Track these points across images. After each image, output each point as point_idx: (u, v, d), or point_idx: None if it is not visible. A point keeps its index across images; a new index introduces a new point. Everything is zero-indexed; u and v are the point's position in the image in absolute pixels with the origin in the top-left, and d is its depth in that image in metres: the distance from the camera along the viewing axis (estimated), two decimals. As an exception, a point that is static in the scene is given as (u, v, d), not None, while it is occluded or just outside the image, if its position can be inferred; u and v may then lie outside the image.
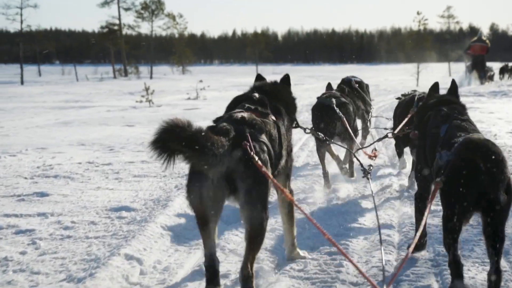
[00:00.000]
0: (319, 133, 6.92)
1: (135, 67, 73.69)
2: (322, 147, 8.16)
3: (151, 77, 64.24)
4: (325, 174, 8.16)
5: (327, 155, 8.38)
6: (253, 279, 4.15)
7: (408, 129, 7.15)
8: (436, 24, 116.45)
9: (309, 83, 43.81)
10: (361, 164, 5.94)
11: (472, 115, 8.35)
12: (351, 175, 8.53)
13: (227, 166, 3.91)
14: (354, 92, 10.06)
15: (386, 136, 7.68)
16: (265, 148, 4.24)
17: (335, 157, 8.45)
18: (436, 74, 63.62)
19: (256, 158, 3.93)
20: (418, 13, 48.26)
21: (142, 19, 74.09)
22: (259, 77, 5.63)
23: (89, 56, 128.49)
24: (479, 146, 4.02)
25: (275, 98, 5.02)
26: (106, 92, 35.32)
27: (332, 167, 8.83)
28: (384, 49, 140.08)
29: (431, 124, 5.00)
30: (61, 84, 49.48)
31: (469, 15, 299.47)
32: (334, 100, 8.05)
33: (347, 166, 8.57)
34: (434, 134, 4.78)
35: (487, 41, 43.90)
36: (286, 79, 5.53)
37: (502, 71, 47.16)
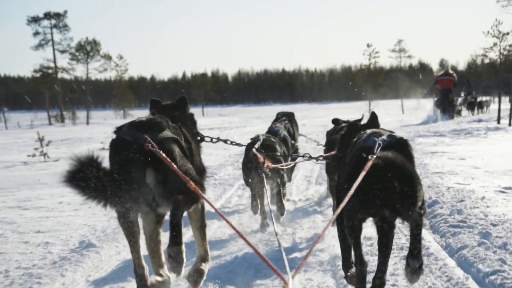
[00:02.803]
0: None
1: (72, 112, 69.28)
2: (252, 188, 8.23)
3: (87, 123, 61.10)
4: (259, 208, 8.32)
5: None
6: None
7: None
8: (387, 59, 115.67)
9: (253, 125, 40.12)
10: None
11: (438, 162, 11.81)
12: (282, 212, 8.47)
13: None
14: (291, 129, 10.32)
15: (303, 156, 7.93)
16: (171, 144, 4.45)
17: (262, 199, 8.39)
18: (389, 111, 61.46)
19: (161, 151, 4.16)
20: (368, 46, 45.37)
21: (77, 61, 69.73)
22: (153, 102, 5.53)
23: (36, 101, 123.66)
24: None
25: (173, 118, 5.07)
26: (26, 141, 30.46)
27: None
28: (335, 87, 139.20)
29: (352, 147, 5.00)
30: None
31: (418, 51, 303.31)
32: (261, 139, 8.35)
33: (267, 220, 8.36)
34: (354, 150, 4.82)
35: (454, 75, 43.30)
36: (182, 100, 5.55)
37: (470, 105, 46.53)
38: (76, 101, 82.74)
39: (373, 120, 5.80)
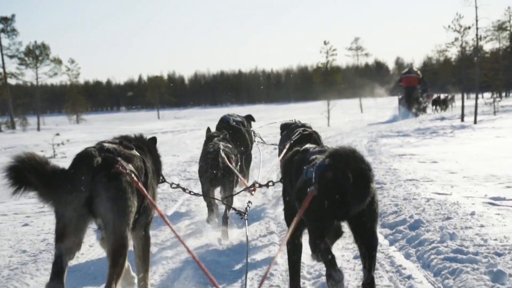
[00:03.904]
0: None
1: (23, 118, 66.56)
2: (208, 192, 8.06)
3: (38, 129, 58.79)
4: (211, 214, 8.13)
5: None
6: None
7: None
8: (343, 59, 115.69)
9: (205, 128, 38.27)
10: (235, 209, 6.30)
11: (408, 167, 12.31)
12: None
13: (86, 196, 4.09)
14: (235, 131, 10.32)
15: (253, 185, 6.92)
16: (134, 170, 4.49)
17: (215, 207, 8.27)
18: (348, 110, 60.49)
19: (128, 171, 4.30)
20: (325, 43, 43.85)
21: (26, 66, 67.02)
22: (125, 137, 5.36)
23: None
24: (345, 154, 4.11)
25: (141, 149, 5.06)
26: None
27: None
28: (292, 87, 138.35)
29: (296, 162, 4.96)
30: None
31: (374, 50, 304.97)
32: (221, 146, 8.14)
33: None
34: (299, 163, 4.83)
35: (419, 72, 42.99)
36: (153, 140, 5.58)
37: (434, 103, 46.80)
38: (28, 107, 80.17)
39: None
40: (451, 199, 8.71)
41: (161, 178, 5.64)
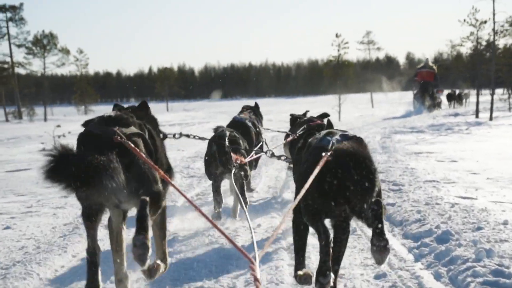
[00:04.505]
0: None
1: (31, 108, 66.20)
2: (216, 181, 7.90)
3: (45, 119, 58.15)
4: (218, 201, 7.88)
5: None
6: None
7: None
8: (354, 53, 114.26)
9: (217, 120, 37.49)
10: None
11: (426, 166, 12.01)
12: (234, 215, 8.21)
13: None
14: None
15: (265, 152, 7.84)
16: (136, 134, 4.46)
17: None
18: (358, 105, 59.55)
19: (129, 142, 4.16)
20: (337, 36, 42.80)
21: (33, 55, 66.45)
22: (116, 106, 5.48)
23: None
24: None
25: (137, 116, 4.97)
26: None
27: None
28: (302, 81, 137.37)
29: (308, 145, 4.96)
30: None
31: (385, 45, 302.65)
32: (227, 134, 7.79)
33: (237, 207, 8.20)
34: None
35: (434, 67, 41.79)
36: (143, 104, 5.49)
37: (450, 98, 46.11)
38: (36, 97, 79.80)
39: (329, 125, 5.71)
40: (478, 204, 7.91)
41: (162, 134, 5.62)
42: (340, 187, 4.05)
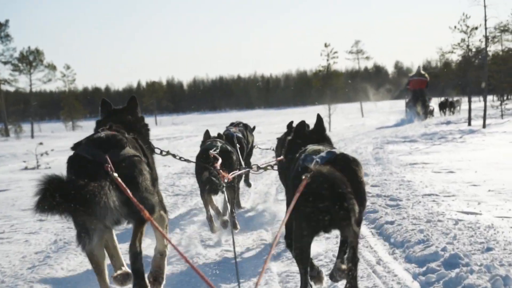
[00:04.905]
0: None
1: (18, 125, 65.53)
2: (206, 193, 7.83)
3: (32, 136, 57.44)
4: (210, 218, 7.84)
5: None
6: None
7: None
8: (343, 63, 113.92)
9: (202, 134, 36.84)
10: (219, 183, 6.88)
11: (423, 178, 11.43)
12: (234, 226, 8.01)
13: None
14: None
15: (251, 168, 8.40)
16: (134, 160, 4.33)
17: (215, 208, 8.14)
18: (348, 115, 59.14)
19: (116, 175, 4.01)
20: (326, 45, 42.40)
21: (19, 72, 65.84)
22: (104, 104, 5.39)
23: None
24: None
25: (130, 128, 5.00)
26: None
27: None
28: (291, 92, 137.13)
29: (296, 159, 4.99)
30: None
31: (373, 54, 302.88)
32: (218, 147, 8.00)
33: (226, 217, 7.94)
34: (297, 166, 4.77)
35: (426, 75, 41.60)
36: (132, 101, 5.42)
37: (442, 106, 46.05)
38: (24, 114, 79.39)
39: (319, 123, 5.72)
40: (483, 220, 7.33)
41: (151, 146, 5.49)
42: (317, 213, 4.04)
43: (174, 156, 7.40)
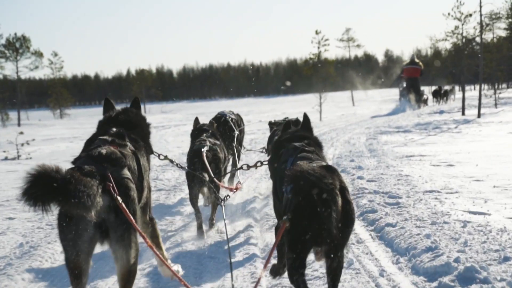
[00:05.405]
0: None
1: (4, 113, 64.58)
2: (194, 190, 7.77)
3: (19, 124, 56.79)
4: (199, 216, 7.60)
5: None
6: None
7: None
8: (334, 50, 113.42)
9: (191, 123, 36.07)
10: (217, 197, 6.91)
11: (422, 172, 10.71)
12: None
13: (99, 212, 3.79)
14: (226, 128, 10.25)
15: (241, 167, 8.01)
16: (130, 184, 4.20)
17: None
18: (339, 104, 58.50)
19: (120, 200, 3.93)
20: (317, 33, 41.58)
21: (5, 59, 64.84)
22: (107, 104, 5.42)
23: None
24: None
25: (131, 128, 4.97)
26: None
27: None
28: (281, 80, 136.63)
29: (282, 159, 5.03)
30: None
31: (363, 42, 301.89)
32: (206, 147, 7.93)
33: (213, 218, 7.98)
34: (283, 169, 4.71)
35: (420, 63, 41.24)
36: (136, 102, 5.50)
37: (436, 94, 45.74)
38: (11, 101, 78.67)
39: (306, 123, 5.61)
40: (494, 222, 6.65)
41: (150, 149, 5.39)
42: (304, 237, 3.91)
43: (171, 161, 7.24)
